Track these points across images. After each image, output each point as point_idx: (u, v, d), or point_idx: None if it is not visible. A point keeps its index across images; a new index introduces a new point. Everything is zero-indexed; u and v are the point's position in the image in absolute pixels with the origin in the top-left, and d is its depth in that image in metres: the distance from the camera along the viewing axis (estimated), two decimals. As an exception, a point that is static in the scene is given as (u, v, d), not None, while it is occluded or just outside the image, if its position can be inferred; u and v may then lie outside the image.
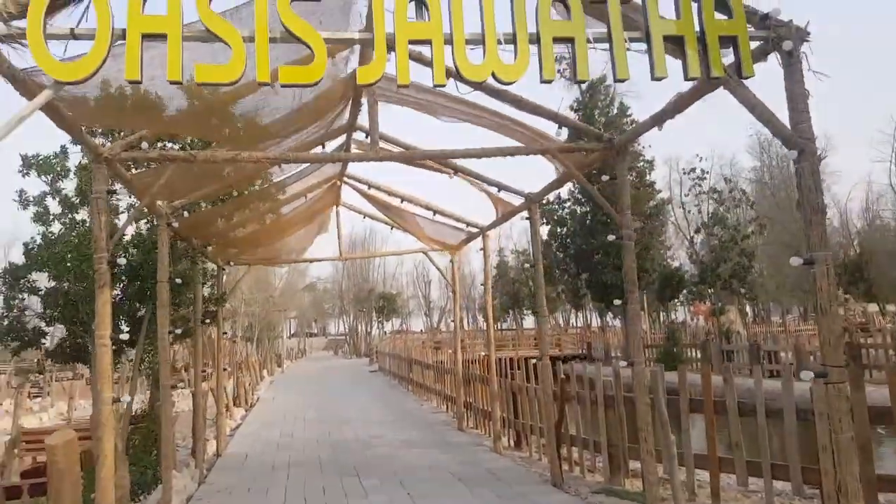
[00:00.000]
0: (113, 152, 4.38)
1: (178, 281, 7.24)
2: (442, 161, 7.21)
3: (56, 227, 7.47)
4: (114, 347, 8.28)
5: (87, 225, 7.74)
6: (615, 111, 27.65)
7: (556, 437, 7.26)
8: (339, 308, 58.24)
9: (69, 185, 7.60)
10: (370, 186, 9.76)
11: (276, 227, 9.74)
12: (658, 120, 4.88)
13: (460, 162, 7.35)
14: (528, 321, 49.77)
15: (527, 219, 7.84)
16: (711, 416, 6.15)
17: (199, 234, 8.02)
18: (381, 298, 49.42)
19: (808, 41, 3.71)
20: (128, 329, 8.22)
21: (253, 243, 9.80)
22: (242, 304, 21.45)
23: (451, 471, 7.96)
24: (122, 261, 6.33)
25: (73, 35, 2.66)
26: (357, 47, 4.06)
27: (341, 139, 6.86)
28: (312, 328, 76.53)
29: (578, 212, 27.84)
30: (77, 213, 7.97)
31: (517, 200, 8.22)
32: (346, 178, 9.73)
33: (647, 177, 28.60)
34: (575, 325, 51.64)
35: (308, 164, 8.24)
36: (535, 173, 7.59)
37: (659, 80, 3.58)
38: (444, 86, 3.19)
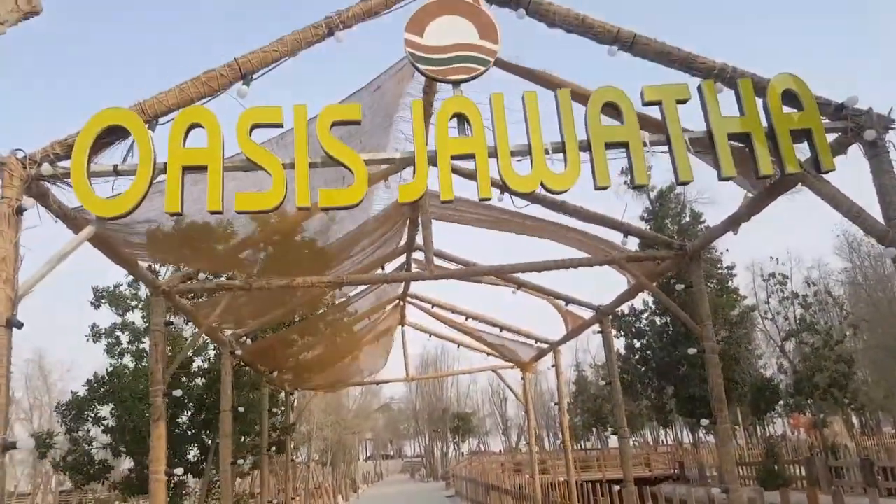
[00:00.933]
0: (171, 284, 4.44)
1: (241, 409, 7.12)
2: (504, 276, 7.01)
3: (127, 359, 7.64)
4: (181, 477, 8.18)
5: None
6: (687, 218, 26.96)
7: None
8: (414, 428, 56.62)
9: (136, 317, 7.88)
10: (433, 305, 9.62)
11: (341, 350, 9.64)
12: (733, 223, 4.52)
13: (525, 276, 7.12)
14: (613, 440, 46.35)
15: (599, 332, 7.35)
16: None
17: (263, 360, 8.00)
18: (455, 418, 47.76)
19: (893, 128, 3.36)
20: (196, 458, 8.10)
21: (318, 368, 9.71)
22: (315, 428, 21.13)
23: None
24: (177, 392, 6.30)
25: (117, 172, 2.73)
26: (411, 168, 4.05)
27: (402, 259, 6.84)
28: (388, 450, 74.39)
29: (658, 322, 26.50)
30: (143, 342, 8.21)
31: (587, 313, 7.79)
32: (409, 298, 9.66)
33: (729, 283, 27.19)
34: (665, 442, 47.51)
35: (369, 287, 8.28)
36: (606, 285, 7.22)
37: (727, 180, 3.29)
38: (489, 199, 3.03)
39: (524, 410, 10.95)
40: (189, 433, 7.66)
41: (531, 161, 3.08)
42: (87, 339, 7.40)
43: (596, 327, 7.85)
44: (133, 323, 8.00)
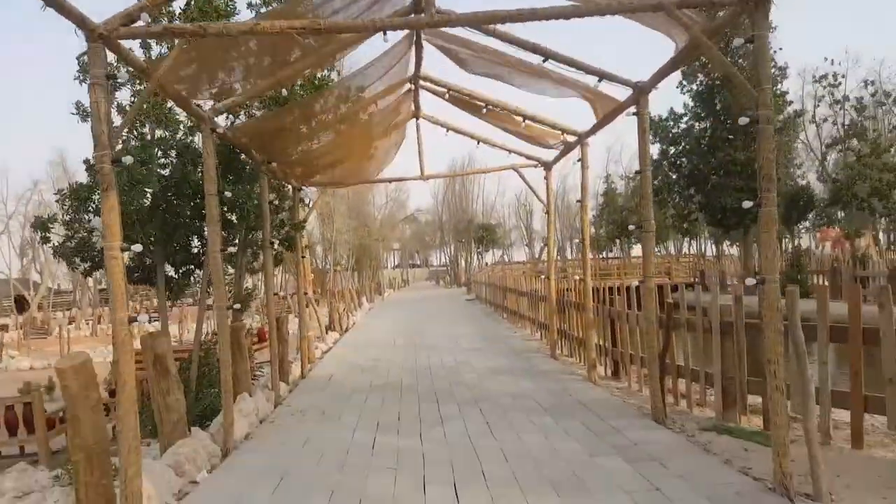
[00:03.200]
0: (109, 27, 3.67)
1: (228, 194, 6.74)
2: (527, 47, 6.02)
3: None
4: (185, 269, 8.14)
5: (146, 139, 7.39)
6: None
7: (659, 368, 6.18)
8: (440, 239, 58.34)
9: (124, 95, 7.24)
10: (449, 91, 8.72)
11: (348, 142, 9.00)
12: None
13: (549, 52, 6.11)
14: (636, 250, 47.22)
15: (634, 114, 6.46)
16: (859, 345, 4.84)
17: (259, 147, 7.43)
18: (480, 229, 48.75)
19: None
20: (198, 249, 7.97)
21: (323, 161, 9.15)
22: (335, 233, 21.48)
23: (538, 399, 7.15)
24: (127, 158, 5.82)
25: None
26: None
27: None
28: (415, 260, 77.97)
29: (696, 128, 25.05)
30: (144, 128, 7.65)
31: (622, 95, 6.87)
32: (422, 82, 8.74)
33: (778, 86, 25.07)
34: (688, 253, 48.26)
35: (373, 64, 7.36)
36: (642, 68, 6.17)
37: None
38: None
39: (545, 211, 10.51)
40: (184, 221, 7.37)
41: None
42: (76, 119, 6.89)
43: (624, 118, 6.96)
44: (124, 104, 7.41)
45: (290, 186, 9.87)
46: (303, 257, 10.18)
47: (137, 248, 4.14)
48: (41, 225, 7.17)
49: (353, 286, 24.39)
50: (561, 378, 8.43)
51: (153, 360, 5.49)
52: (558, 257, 54.07)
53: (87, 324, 28.25)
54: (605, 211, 43.65)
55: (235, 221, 8.29)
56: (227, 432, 5.86)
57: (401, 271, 60.68)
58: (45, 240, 7.32)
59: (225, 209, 7.77)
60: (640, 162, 6.50)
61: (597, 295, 8.77)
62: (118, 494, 3.96)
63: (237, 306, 7.99)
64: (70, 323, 28.43)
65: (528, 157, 10.27)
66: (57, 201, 7.43)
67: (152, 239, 7.33)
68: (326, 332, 14.74)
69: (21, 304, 36.32)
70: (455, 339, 13.57)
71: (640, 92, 6.37)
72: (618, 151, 73.77)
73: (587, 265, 8.41)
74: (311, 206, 11.63)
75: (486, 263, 49.45)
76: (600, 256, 42.85)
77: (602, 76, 6.50)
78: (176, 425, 5.46)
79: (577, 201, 8.82)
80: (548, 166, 10.21)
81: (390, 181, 11.10)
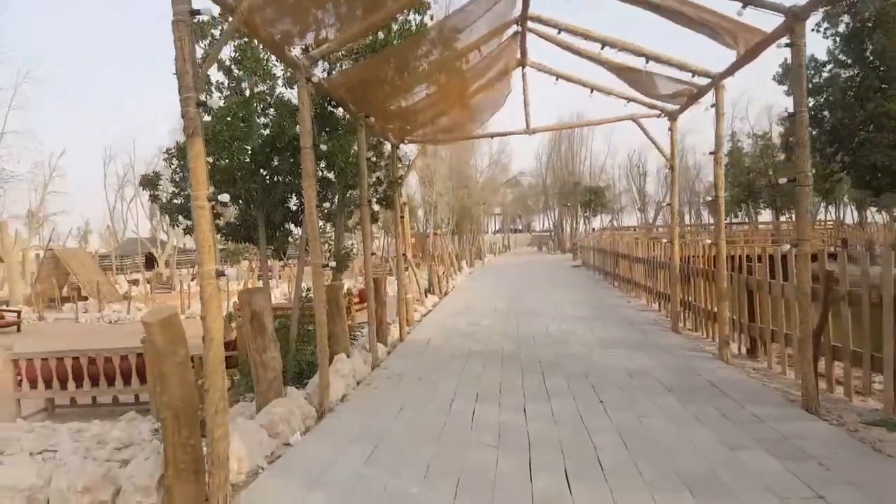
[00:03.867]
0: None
1: (323, 147, 6.38)
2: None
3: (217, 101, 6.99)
4: (284, 227, 7.98)
5: (245, 95, 7.19)
6: None
7: (814, 348, 5.17)
8: (544, 203, 56.73)
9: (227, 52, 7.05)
10: (560, 30, 7.83)
11: (449, 94, 8.38)
12: None
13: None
14: (765, 216, 43.23)
15: (787, 45, 5.33)
16: None
17: (355, 99, 7.00)
18: (588, 192, 46.69)
19: None
20: (296, 206, 7.77)
21: (423, 115, 8.61)
22: (435, 196, 21.13)
23: (660, 377, 6.34)
24: (213, 102, 5.55)
25: None
26: None
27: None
28: (517, 224, 76.84)
29: (841, 76, 22.00)
30: (242, 83, 7.47)
31: (767, 26, 5.72)
32: (529, 23, 7.92)
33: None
34: (823, 220, 43.56)
35: (475, 1, 6.65)
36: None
37: None
38: None
39: (668, 167, 9.39)
40: (282, 178, 7.16)
41: None
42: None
43: (781, 45, 5.78)
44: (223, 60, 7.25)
45: (387, 143, 9.48)
46: (401, 217, 9.82)
47: (224, 197, 3.84)
48: (147, 182, 7.23)
49: (453, 250, 24.09)
50: (686, 354, 7.51)
51: (250, 316, 5.31)
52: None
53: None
54: (729, 172, 40.11)
55: (333, 179, 8.03)
56: (323, 394, 5.62)
57: (502, 236, 59.93)
58: (154, 198, 7.39)
59: (321, 165, 7.48)
60: (794, 104, 5.37)
61: (730, 263, 7.68)
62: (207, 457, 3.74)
63: (332, 264, 7.75)
64: (193, 279, 30.50)
65: (650, 107, 9.16)
66: (165, 160, 7.47)
67: (253, 195, 7.20)
68: (426, 296, 14.51)
69: (150, 262, 39.60)
70: (560, 307, 12.83)
71: (795, 18, 5.22)
72: (743, 107, 67.71)
73: (721, 227, 7.32)
74: (409, 165, 11.21)
75: (593, 229, 47.43)
76: (725, 222, 39.52)
77: (747, 2, 5.42)
78: (272, 384, 5.27)
79: (710, 153, 7.70)
80: (672, 116, 9.06)
81: (493, 136, 10.39)
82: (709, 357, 7.30)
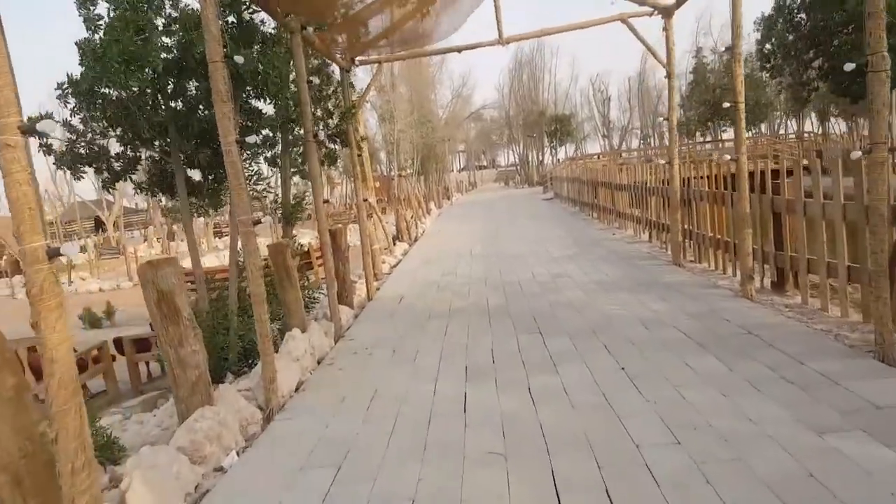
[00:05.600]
0: None
1: (239, 60, 4.87)
2: None
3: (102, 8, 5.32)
4: (215, 173, 6.47)
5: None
6: None
7: (889, 282, 4.07)
8: (508, 136, 54.82)
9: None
10: None
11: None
12: None
13: None
14: (728, 134, 42.33)
15: None
16: None
17: (285, 2, 5.43)
18: (553, 121, 45.01)
19: None
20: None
21: (373, 23, 7.03)
22: (397, 134, 19.41)
23: (681, 328, 5.23)
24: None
25: None
26: None
27: None
28: (482, 161, 74.97)
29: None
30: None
31: None
32: None
33: None
34: (788, 134, 42.92)
35: None
36: None
37: None
38: None
39: (665, 75, 8.04)
40: (202, 112, 5.64)
41: None
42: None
43: None
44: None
45: (335, 67, 7.90)
46: (359, 155, 8.36)
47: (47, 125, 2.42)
48: (29, 129, 5.56)
49: (419, 192, 22.62)
50: (701, 293, 6.43)
51: (156, 298, 3.93)
52: (641, 145, 50.02)
53: (158, 241, 28.21)
54: (695, 91, 38.89)
55: (273, 112, 6.52)
56: (268, 390, 4.35)
57: (468, 174, 58.20)
58: (47, 148, 5.74)
59: (249, 91, 5.94)
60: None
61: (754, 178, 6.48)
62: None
63: (261, 219, 6.32)
64: (145, 240, 28.49)
65: (641, 3, 7.73)
66: (58, 98, 5.75)
67: (165, 134, 5.66)
68: (394, 244, 13.18)
69: (100, 225, 37.14)
70: (542, 245, 11.67)
71: None
72: (707, 22, 65.59)
73: (741, 137, 6.06)
74: (366, 88, 9.60)
75: (558, 160, 46.08)
76: (688, 143, 38.53)
77: None
78: (194, 386, 3.95)
79: (718, 52, 6.36)
80: (668, 12, 7.67)
81: (460, 50, 8.87)
82: (729, 295, 6.23)
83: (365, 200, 8.75)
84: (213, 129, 5.93)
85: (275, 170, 7.56)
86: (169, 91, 5.53)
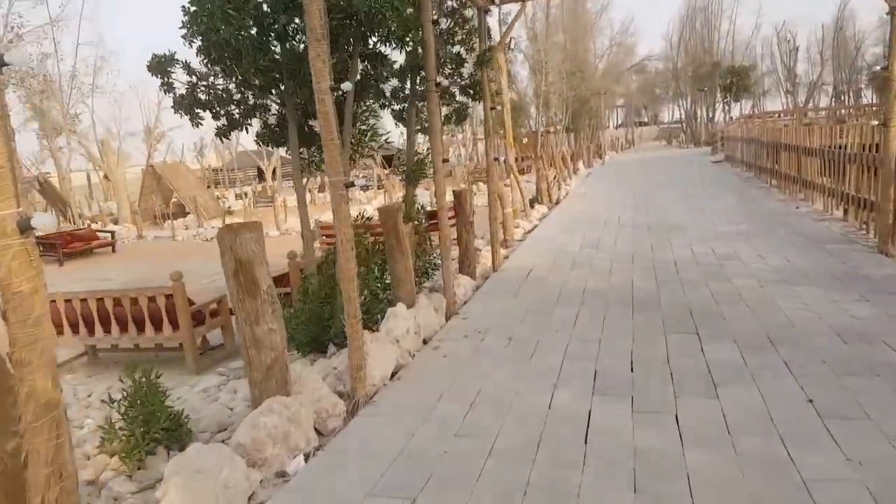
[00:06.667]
0: None
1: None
2: None
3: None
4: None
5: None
6: None
7: None
8: (674, 90, 49.77)
9: None
10: None
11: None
12: None
13: None
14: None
15: None
16: None
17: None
18: (729, 74, 39.92)
19: None
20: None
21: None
22: (547, 86, 17.98)
23: (902, 351, 3.81)
24: None
25: None
26: None
27: None
28: (642, 116, 69.62)
29: None
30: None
31: None
32: None
33: None
34: None
35: None
36: None
37: None
38: None
39: (888, 11, 6.08)
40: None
41: None
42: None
43: None
44: None
45: (468, 7, 6.99)
46: (492, 108, 7.43)
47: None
48: (157, 66, 5.33)
49: (568, 149, 21.11)
50: (929, 299, 4.80)
51: (234, 268, 3.45)
52: (834, 104, 43.10)
53: (310, 192, 29.54)
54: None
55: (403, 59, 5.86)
56: (355, 379, 3.76)
57: (625, 131, 54.27)
58: (168, 87, 5.53)
59: (373, 32, 5.26)
60: None
61: None
62: None
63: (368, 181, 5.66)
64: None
65: None
66: (182, 37, 5.47)
67: (276, 80, 5.21)
68: (532, 207, 12.15)
69: (261, 174, 39.98)
70: (707, 216, 10.02)
71: None
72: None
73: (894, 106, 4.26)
74: (507, 28, 8.55)
75: (731, 118, 41.08)
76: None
77: None
78: (269, 371, 3.45)
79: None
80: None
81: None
82: (975, 305, 4.55)
83: (495, 159, 7.83)
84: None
85: (400, 125, 6.94)
86: (276, 31, 5.00)
